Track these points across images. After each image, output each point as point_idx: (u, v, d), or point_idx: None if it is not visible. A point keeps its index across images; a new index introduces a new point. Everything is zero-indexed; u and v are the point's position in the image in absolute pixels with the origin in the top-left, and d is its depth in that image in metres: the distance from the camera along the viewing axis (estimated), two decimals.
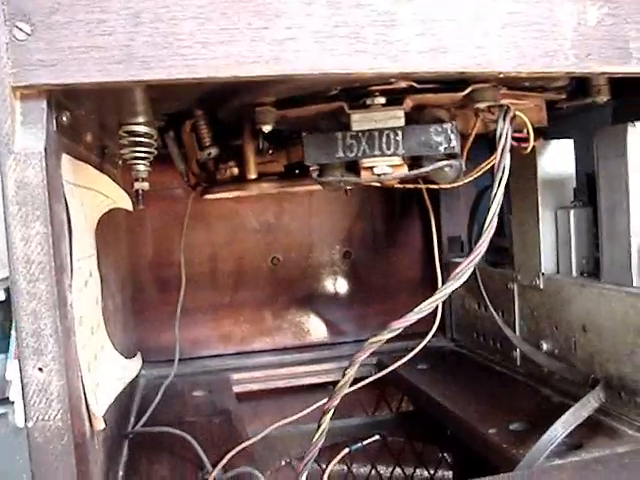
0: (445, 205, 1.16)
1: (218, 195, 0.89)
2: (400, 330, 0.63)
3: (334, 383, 1.08)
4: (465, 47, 0.55)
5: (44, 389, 0.50)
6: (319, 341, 1.20)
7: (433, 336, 1.17)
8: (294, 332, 1.19)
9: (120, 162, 0.89)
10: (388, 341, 1.11)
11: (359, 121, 0.67)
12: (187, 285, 1.06)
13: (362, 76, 0.55)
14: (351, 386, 0.68)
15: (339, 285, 1.22)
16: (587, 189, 0.90)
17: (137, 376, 1.02)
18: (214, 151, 0.86)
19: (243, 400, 1.10)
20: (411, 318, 0.63)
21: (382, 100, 0.67)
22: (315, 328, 1.20)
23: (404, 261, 1.23)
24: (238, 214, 1.16)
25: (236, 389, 1.05)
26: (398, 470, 1.18)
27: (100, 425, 0.59)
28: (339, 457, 0.73)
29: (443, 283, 0.63)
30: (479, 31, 0.55)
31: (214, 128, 0.86)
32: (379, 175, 0.67)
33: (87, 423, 0.57)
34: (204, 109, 0.83)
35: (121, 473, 0.73)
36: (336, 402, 0.67)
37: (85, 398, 0.57)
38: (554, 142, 0.88)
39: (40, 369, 0.50)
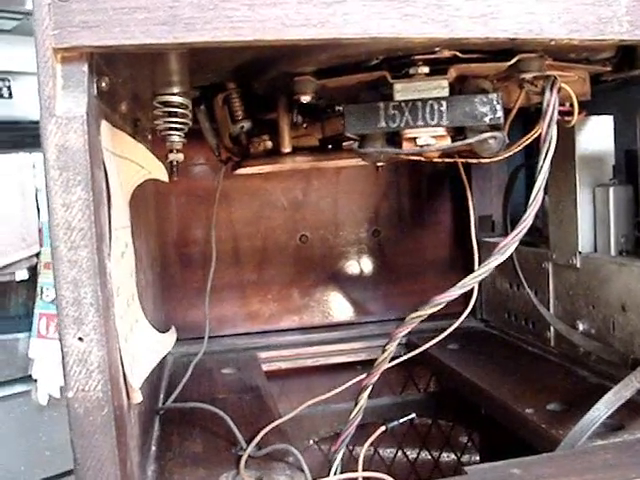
0: (476, 184, 1.14)
1: (250, 170, 0.88)
2: (443, 304, 0.61)
3: (361, 362, 1.07)
4: (517, 12, 0.54)
5: (84, 359, 0.49)
6: (346, 320, 1.19)
7: None
8: (321, 311, 1.18)
9: (150, 136, 0.88)
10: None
11: (402, 91, 0.65)
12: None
13: (411, 41, 0.53)
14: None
15: (366, 264, 1.20)
16: (625, 167, 0.88)
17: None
18: (247, 124, 0.85)
19: (270, 379, 1.09)
20: (454, 292, 0.62)
21: (426, 70, 0.65)
22: (342, 307, 1.19)
23: (432, 240, 1.21)
24: (267, 191, 1.15)
25: (263, 367, 1.04)
26: (425, 453, 1.17)
27: (138, 398, 0.58)
28: (376, 434, 0.71)
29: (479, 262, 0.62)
30: None
31: (247, 101, 0.85)
32: (422, 146, 0.65)
33: (124, 396, 0.56)
34: (238, 81, 0.82)
35: (154, 448, 0.72)
36: (375, 379, 0.66)
37: (123, 370, 0.56)
38: (593, 118, 0.86)
39: (80, 339, 0.49)
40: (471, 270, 1.12)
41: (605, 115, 0.87)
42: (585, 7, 0.55)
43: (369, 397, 1.13)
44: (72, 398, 0.49)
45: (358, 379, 0.70)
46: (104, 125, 0.56)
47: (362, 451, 0.69)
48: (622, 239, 0.84)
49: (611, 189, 0.84)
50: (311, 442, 0.99)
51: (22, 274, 1.22)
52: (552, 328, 0.93)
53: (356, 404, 0.67)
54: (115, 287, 0.56)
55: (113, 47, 0.49)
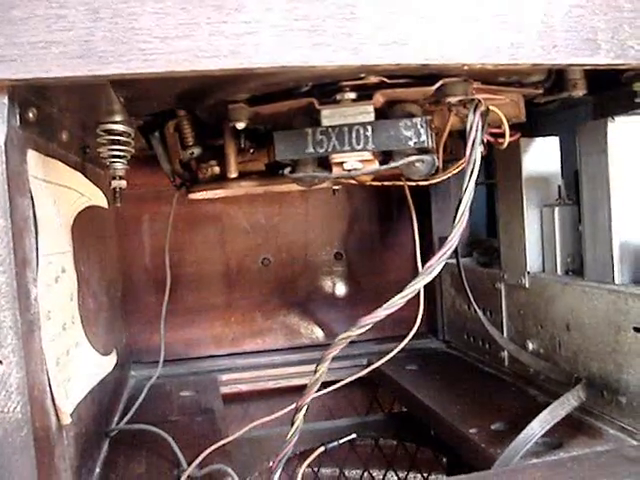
0: (436, 205, 1.15)
1: (200, 195, 0.89)
2: (369, 326, 0.62)
3: (324, 384, 1.07)
4: (427, 39, 0.55)
5: (4, 381, 0.50)
6: (310, 342, 1.21)
7: (426, 338, 1.19)
8: (284, 333, 1.20)
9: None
10: (380, 342, 1.12)
11: (329, 116, 0.67)
12: (179, 286, 1.06)
13: (323, 69, 0.55)
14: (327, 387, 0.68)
15: (329, 286, 1.22)
16: (575, 187, 0.89)
17: (126, 376, 1.03)
18: (197, 151, 0.86)
19: (234, 401, 1.10)
20: (380, 314, 0.63)
21: (352, 95, 0.67)
22: (305, 329, 1.21)
23: (395, 262, 1.23)
24: (229, 215, 1.17)
25: (226, 390, 1.05)
26: (391, 474, 1.17)
27: (66, 420, 0.59)
28: (313, 456, 0.72)
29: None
30: (442, 23, 0.55)
31: (197, 128, 0.87)
32: (349, 170, 0.67)
33: (53, 417, 0.58)
34: (185, 109, 0.84)
35: (98, 470, 0.73)
36: (308, 399, 0.67)
37: (51, 392, 0.57)
38: (539, 139, 0.87)
39: (0, 362, 0.50)
40: (432, 290, 1.14)
41: (551, 136, 0.88)
42: (497, 33, 0.56)
43: (333, 418, 1.14)
44: None
45: (295, 405, 0.71)
46: (32, 154, 0.57)
47: (300, 471, 0.70)
48: (568, 258, 0.85)
49: (557, 209, 0.85)
50: (270, 463, 0.99)
51: None
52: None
53: (292, 424, 0.68)
54: (44, 311, 0.57)
55: (30, 80, 0.50)
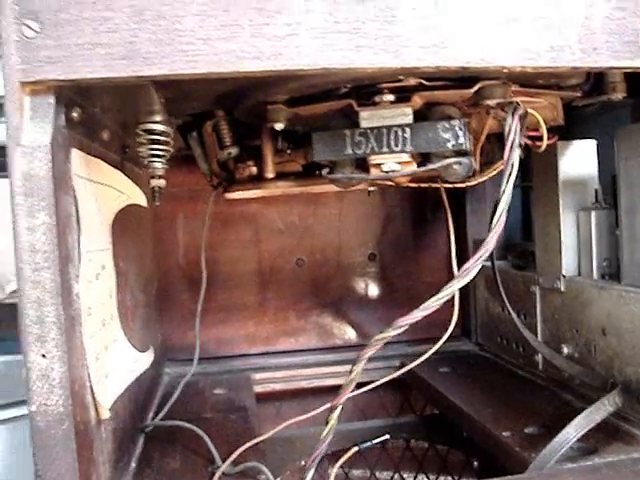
0: (471, 208, 1.15)
1: (237, 195, 0.90)
2: (405, 327, 0.62)
3: (358, 385, 1.08)
4: (467, 42, 0.55)
5: (46, 375, 0.51)
6: (342, 343, 1.21)
7: (459, 340, 1.18)
8: (318, 333, 1.21)
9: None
10: (413, 344, 1.12)
11: (368, 118, 0.67)
12: (213, 285, 1.07)
13: (364, 71, 0.55)
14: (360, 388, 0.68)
15: (363, 287, 1.23)
16: (612, 191, 0.88)
17: (160, 373, 1.04)
18: (234, 151, 0.87)
19: (267, 401, 1.11)
20: (416, 315, 0.63)
21: (391, 97, 0.67)
22: (339, 329, 1.21)
23: (429, 263, 1.23)
24: (264, 215, 1.18)
25: (259, 389, 1.06)
26: (422, 475, 1.17)
27: (105, 414, 0.60)
28: (347, 456, 0.73)
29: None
30: (482, 26, 0.55)
31: (235, 128, 0.88)
32: (387, 172, 0.67)
33: (92, 412, 0.59)
34: (224, 109, 0.85)
35: (134, 465, 0.74)
36: (343, 399, 0.67)
37: (91, 387, 0.58)
38: (576, 143, 0.87)
39: (43, 355, 0.51)
40: (465, 293, 1.14)
41: (589, 139, 0.88)
42: (537, 35, 0.56)
43: (365, 419, 1.14)
44: (34, 412, 0.52)
45: (330, 404, 0.71)
46: (76, 153, 0.58)
47: (333, 471, 0.70)
48: (604, 262, 0.84)
49: (593, 213, 0.84)
50: (303, 462, 1.00)
51: None
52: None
53: (326, 424, 0.68)
54: (85, 307, 0.58)
55: (76, 81, 0.52)
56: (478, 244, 1.06)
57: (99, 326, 0.64)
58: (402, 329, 0.63)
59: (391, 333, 0.63)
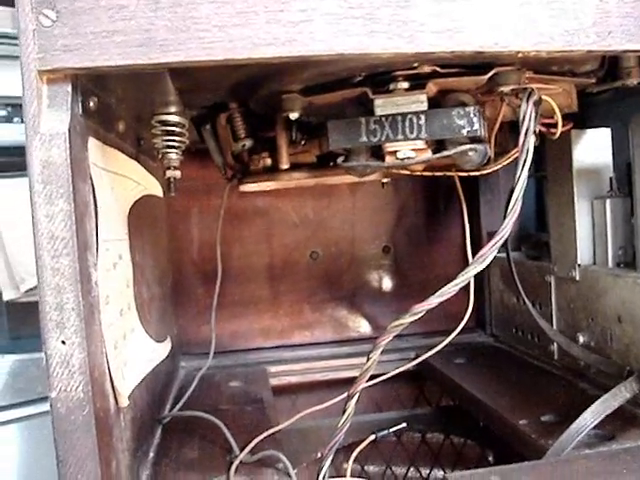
0: (484, 199, 1.15)
1: (252, 186, 0.90)
2: (422, 313, 0.63)
3: (373, 376, 1.08)
4: (481, 26, 0.55)
5: (66, 361, 0.52)
6: (357, 335, 1.21)
7: (473, 331, 1.18)
8: (333, 326, 1.21)
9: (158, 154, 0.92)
10: (428, 336, 1.11)
11: (382, 106, 0.67)
12: (227, 279, 1.08)
13: (378, 57, 0.55)
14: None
15: (377, 280, 1.23)
16: (627, 179, 0.88)
17: (176, 367, 1.04)
18: (248, 143, 0.88)
19: (282, 393, 1.11)
20: (432, 301, 0.63)
21: (405, 85, 0.67)
22: (353, 322, 1.21)
23: (443, 256, 1.22)
24: (277, 209, 1.18)
25: (275, 382, 1.06)
26: (437, 469, 1.17)
27: (124, 402, 0.61)
28: (365, 444, 0.73)
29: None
30: (496, 10, 0.55)
31: (249, 120, 0.88)
32: (402, 159, 0.67)
33: (112, 399, 0.59)
34: (238, 101, 0.85)
35: (152, 454, 0.74)
36: (360, 387, 0.67)
37: (110, 374, 0.59)
38: (590, 131, 0.87)
39: (63, 342, 0.52)
40: (480, 284, 1.14)
41: (603, 127, 0.88)
42: (551, 19, 0.56)
43: (381, 411, 1.14)
44: (55, 398, 0.52)
45: (346, 394, 0.71)
46: (93, 142, 0.59)
47: (350, 460, 0.70)
48: (620, 251, 0.84)
49: (608, 201, 0.84)
50: (319, 455, 1.00)
51: None
52: (555, 342, 0.93)
53: (344, 412, 0.68)
54: (103, 295, 0.59)
55: (93, 69, 0.52)
56: (492, 235, 1.06)
57: (117, 315, 0.64)
58: (419, 315, 0.63)
59: (408, 319, 0.63)
